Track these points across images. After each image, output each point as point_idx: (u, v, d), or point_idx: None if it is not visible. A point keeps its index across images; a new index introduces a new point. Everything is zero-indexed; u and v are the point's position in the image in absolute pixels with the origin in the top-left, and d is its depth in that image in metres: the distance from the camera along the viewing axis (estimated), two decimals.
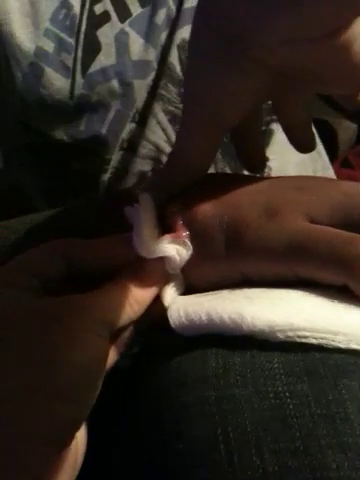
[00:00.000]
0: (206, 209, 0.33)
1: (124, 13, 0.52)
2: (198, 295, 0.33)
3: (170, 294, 0.33)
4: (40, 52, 0.49)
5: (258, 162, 0.42)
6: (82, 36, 0.50)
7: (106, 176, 0.57)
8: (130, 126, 0.56)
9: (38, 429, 0.25)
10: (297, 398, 0.27)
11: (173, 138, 0.58)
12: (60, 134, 0.53)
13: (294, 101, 0.36)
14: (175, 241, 0.32)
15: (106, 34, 0.51)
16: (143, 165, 0.58)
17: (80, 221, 0.39)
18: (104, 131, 0.54)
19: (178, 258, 0.32)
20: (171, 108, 0.57)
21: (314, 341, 0.28)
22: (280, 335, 0.28)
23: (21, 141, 0.55)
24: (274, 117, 0.65)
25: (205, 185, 0.35)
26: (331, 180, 0.35)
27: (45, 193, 0.59)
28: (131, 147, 0.57)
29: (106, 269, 0.32)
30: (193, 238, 0.32)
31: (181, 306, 0.31)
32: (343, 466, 0.25)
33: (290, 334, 0.28)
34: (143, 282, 0.32)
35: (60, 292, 0.31)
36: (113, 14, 0.52)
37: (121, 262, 0.32)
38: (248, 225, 0.32)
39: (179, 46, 0.55)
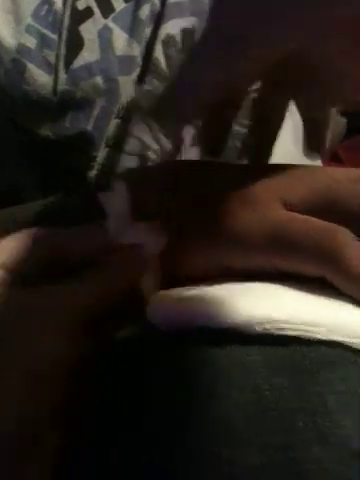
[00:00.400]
0: (181, 197, 0.33)
1: (107, 8, 0.52)
2: (177, 289, 0.33)
3: (146, 282, 0.32)
4: (22, 48, 0.48)
5: (220, 146, 0.42)
6: (65, 32, 0.50)
7: (93, 173, 0.57)
8: (115, 122, 0.56)
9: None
10: (276, 391, 0.27)
11: (159, 134, 0.58)
12: (45, 131, 0.53)
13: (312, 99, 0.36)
14: (150, 228, 0.32)
15: (89, 30, 0.51)
16: (129, 161, 0.58)
17: (61, 214, 0.39)
18: (89, 128, 0.54)
19: (154, 244, 0.31)
20: None
21: (292, 333, 0.27)
22: (257, 328, 0.28)
23: (13, 139, 0.55)
24: None
25: (179, 172, 0.35)
26: (312, 167, 0.34)
27: (40, 192, 0.59)
28: (116, 143, 0.57)
29: (84, 257, 0.32)
30: (167, 225, 0.32)
31: (160, 301, 0.31)
32: (324, 459, 0.25)
33: (267, 327, 0.28)
34: (119, 269, 0.31)
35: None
36: (96, 10, 0.51)
37: (98, 249, 0.32)
38: (225, 214, 0.31)
39: (164, 41, 0.55)
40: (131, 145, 0.57)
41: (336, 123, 0.90)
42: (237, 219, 0.31)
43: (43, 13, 0.49)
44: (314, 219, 0.29)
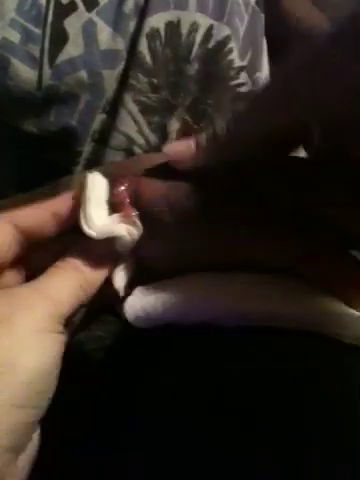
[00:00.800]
0: (154, 188, 0.33)
1: (91, 2, 0.52)
2: (153, 285, 0.33)
3: (120, 275, 0.32)
4: (5, 43, 0.48)
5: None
6: (49, 26, 0.49)
7: (78, 168, 0.57)
8: (101, 117, 0.55)
9: None
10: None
11: (145, 128, 0.58)
12: (29, 126, 0.52)
13: None
14: (125, 220, 0.31)
15: (73, 24, 0.50)
16: (115, 156, 0.57)
17: None
18: (74, 123, 0.54)
19: (129, 237, 0.31)
20: (142, 98, 0.57)
21: (258, 323, 0.28)
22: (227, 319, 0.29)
23: None
24: None
25: (153, 162, 0.35)
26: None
27: (23, 187, 0.58)
28: (102, 138, 0.56)
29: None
30: (142, 217, 0.32)
31: (136, 298, 0.31)
32: None
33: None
34: (93, 263, 0.31)
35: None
36: (80, 3, 0.51)
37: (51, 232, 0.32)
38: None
39: (148, 35, 0.55)
40: (117, 140, 0.57)
41: None
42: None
43: (27, 7, 0.49)
44: None
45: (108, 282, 0.32)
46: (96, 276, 0.31)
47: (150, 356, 0.32)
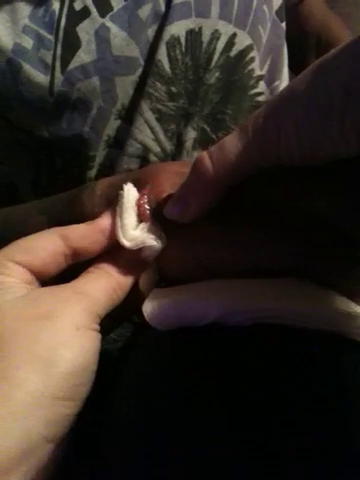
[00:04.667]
0: (167, 193, 0.33)
1: (105, 7, 0.51)
2: (173, 288, 0.33)
3: (146, 279, 0.33)
4: (18, 48, 0.48)
5: None
6: (61, 33, 0.49)
7: (92, 173, 0.57)
8: (116, 123, 0.56)
9: (39, 430, 0.25)
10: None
11: (161, 136, 0.58)
12: (42, 131, 0.53)
13: None
14: (151, 230, 0.32)
15: (86, 30, 0.50)
16: (130, 163, 0.58)
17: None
18: (86, 129, 0.54)
19: (157, 247, 0.32)
20: (159, 106, 0.57)
21: (273, 321, 0.28)
22: (239, 318, 0.28)
23: (8, 137, 0.55)
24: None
25: (169, 173, 0.35)
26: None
27: (37, 191, 0.59)
28: (118, 144, 0.57)
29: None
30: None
31: (155, 300, 0.31)
32: None
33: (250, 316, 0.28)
34: (122, 268, 0.32)
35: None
36: (93, 9, 0.51)
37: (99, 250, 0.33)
38: None
39: (168, 43, 0.54)
40: (133, 147, 0.57)
41: None
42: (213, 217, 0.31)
43: (40, 14, 0.49)
44: None
45: (134, 287, 0.33)
46: (126, 280, 0.32)
47: (159, 360, 0.32)
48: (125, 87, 0.54)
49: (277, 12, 0.64)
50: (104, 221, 0.33)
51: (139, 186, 0.34)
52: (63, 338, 0.27)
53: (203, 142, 0.61)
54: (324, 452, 0.24)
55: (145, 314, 0.31)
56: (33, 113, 0.52)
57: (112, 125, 0.55)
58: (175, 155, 0.60)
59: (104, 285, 0.31)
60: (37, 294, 0.29)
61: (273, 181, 0.29)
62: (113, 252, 0.33)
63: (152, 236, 0.32)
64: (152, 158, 0.58)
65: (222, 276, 0.32)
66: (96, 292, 0.30)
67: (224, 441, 0.25)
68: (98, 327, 0.29)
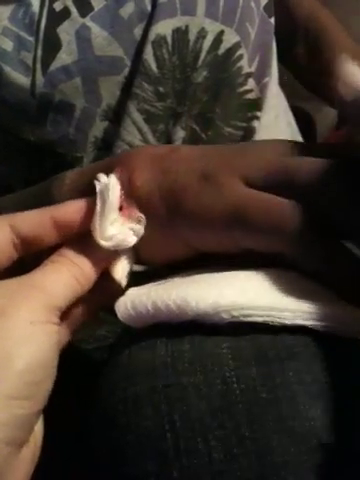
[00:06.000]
0: (145, 177, 0.32)
1: (85, 8, 0.51)
2: (148, 285, 0.32)
3: (121, 266, 0.32)
4: None
5: None
6: (42, 34, 0.49)
7: None
8: (103, 124, 0.55)
9: None
10: (244, 383, 0.26)
11: (149, 137, 0.57)
12: (27, 134, 0.53)
13: None
14: (129, 220, 0.31)
15: (66, 31, 0.50)
16: None
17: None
18: (72, 130, 0.53)
19: (136, 238, 0.31)
20: (147, 107, 0.56)
21: (259, 319, 0.27)
22: (225, 315, 0.27)
23: (1, 139, 0.54)
24: (256, 114, 0.64)
25: (142, 155, 0.34)
26: (269, 142, 0.34)
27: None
28: (106, 146, 0.56)
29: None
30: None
31: (128, 298, 0.31)
32: (289, 451, 0.24)
33: (235, 314, 0.27)
34: (89, 256, 0.31)
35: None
36: (73, 10, 0.50)
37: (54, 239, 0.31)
38: (186, 192, 0.31)
39: (154, 42, 0.53)
40: (121, 149, 0.56)
41: (326, 114, 0.88)
42: (196, 196, 0.31)
43: (20, 15, 0.48)
44: (271, 196, 0.29)
45: (110, 279, 0.32)
46: (91, 269, 0.31)
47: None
48: (110, 87, 0.53)
49: (265, 8, 0.63)
50: (57, 210, 0.31)
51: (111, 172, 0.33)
52: (17, 334, 0.26)
53: (193, 142, 0.60)
54: None
55: (118, 312, 0.30)
56: (17, 116, 0.51)
57: (99, 126, 0.55)
58: None
59: (64, 276, 0.29)
60: None
61: None
62: (79, 238, 0.31)
63: (131, 226, 0.31)
64: None
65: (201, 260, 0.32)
66: (54, 284, 0.29)
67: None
68: (56, 320, 0.28)
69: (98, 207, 0.31)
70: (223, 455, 0.25)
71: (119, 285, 0.32)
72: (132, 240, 0.31)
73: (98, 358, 0.39)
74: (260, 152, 0.32)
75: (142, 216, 0.31)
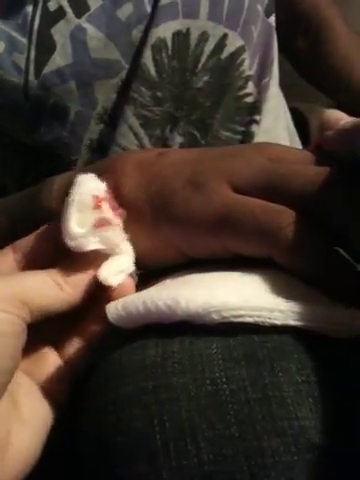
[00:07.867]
0: (132, 184, 0.32)
1: (81, 8, 0.50)
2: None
3: (106, 269, 0.31)
4: None
5: None
6: (35, 35, 0.48)
7: None
8: (98, 127, 0.55)
9: None
10: (234, 383, 0.26)
11: (145, 142, 0.57)
12: (21, 136, 0.52)
13: None
14: (106, 222, 0.30)
15: (61, 32, 0.49)
16: None
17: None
18: (66, 133, 0.53)
19: (112, 243, 0.31)
20: (144, 112, 0.55)
21: (250, 319, 0.27)
22: (215, 316, 0.27)
23: None
24: (255, 118, 0.63)
25: (130, 160, 0.34)
26: (258, 145, 0.34)
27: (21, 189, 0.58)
28: (101, 149, 0.56)
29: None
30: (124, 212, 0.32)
31: (116, 300, 0.30)
32: (278, 451, 0.24)
33: (225, 314, 0.27)
34: (76, 264, 0.30)
35: None
36: (68, 10, 0.49)
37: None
38: (174, 197, 0.31)
39: (154, 46, 0.53)
40: (115, 152, 0.56)
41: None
42: (184, 200, 0.31)
43: (13, 15, 0.48)
44: (259, 201, 0.29)
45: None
46: (80, 277, 0.30)
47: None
48: (106, 91, 0.53)
49: (265, 9, 0.62)
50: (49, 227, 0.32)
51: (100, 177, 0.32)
52: None
53: (191, 147, 0.60)
54: None
55: (108, 314, 0.30)
56: (11, 118, 0.51)
57: (94, 129, 0.54)
58: None
59: (41, 275, 0.29)
60: None
61: None
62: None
63: (99, 237, 0.30)
64: None
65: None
66: (27, 279, 0.29)
67: None
68: (25, 316, 0.27)
69: (64, 205, 0.30)
70: (213, 456, 0.24)
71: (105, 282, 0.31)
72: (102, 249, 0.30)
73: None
74: (249, 156, 0.32)
75: (119, 221, 0.31)
